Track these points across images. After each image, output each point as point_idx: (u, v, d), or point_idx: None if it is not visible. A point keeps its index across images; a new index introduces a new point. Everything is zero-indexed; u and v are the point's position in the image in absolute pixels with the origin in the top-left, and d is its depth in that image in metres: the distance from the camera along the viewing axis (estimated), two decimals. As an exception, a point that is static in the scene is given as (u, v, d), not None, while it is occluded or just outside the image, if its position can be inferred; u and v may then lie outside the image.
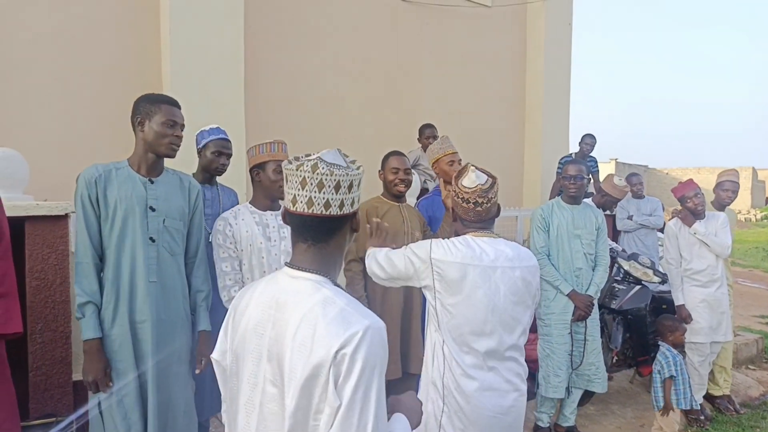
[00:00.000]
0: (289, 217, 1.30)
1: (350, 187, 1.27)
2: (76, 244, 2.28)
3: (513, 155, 7.25)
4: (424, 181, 5.35)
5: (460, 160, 3.47)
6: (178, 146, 2.38)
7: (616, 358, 4.72)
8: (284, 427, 1.15)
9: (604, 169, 19.58)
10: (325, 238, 1.28)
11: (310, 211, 1.24)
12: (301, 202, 1.24)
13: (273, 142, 2.65)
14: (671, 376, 3.78)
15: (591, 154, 6.60)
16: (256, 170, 2.64)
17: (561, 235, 3.68)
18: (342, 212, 1.27)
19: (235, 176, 3.67)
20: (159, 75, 4.45)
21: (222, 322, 1.42)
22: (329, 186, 1.24)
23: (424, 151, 5.39)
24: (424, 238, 3.40)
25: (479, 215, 2.12)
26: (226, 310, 2.83)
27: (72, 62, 4.15)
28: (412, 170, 5.21)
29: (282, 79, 5.20)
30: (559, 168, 6.42)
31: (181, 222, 2.43)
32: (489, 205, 2.12)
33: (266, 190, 2.64)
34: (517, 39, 7.23)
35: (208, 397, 2.97)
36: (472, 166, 2.19)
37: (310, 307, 1.19)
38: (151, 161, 2.37)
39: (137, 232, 2.28)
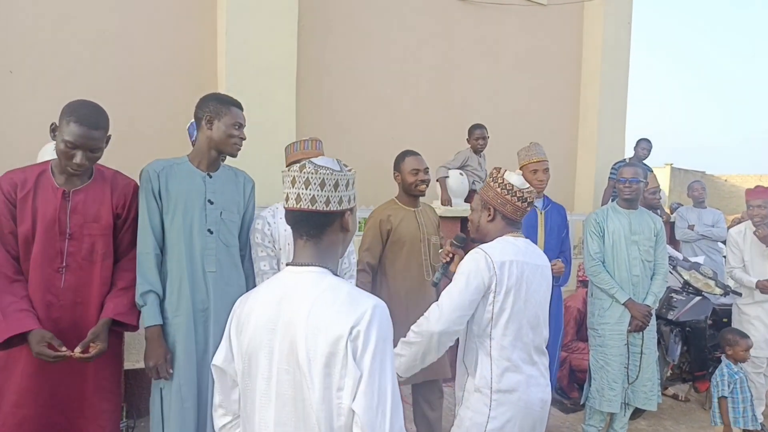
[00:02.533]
0: (285, 215, 1.44)
1: (336, 185, 1.38)
2: (138, 234, 2.36)
3: (566, 158, 7.05)
4: (473, 183, 5.27)
5: (547, 169, 3.41)
6: (241, 147, 2.50)
7: (671, 371, 4.52)
8: (305, 411, 1.26)
9: (660, 175, 18.91)
10: (316, 233, 1.39)
11: (298, 206, 1.37)
12: (292, 198, 1.38)
13: (307, 140, 2.67)
14: (724, 396, 3.57)
15: (644, 162, 6.34)
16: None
17: (617, 241, 3.53)
18: (328, 209, 1.38)
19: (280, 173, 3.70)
20: (214, 74, 4.54)
21: None
22: (314, 183, 1.36)
23: (474, 152, 5.32)
24: (440, 242, 3.34)
25: (524, 214, 2.22)
26: None
27: (131, 61, 4.28)
28: (461, 171, 5.17)
29: (332, 78, 5.22)
30: (612, 173, 6.21)
31: (237, 215, 2.53)
32: (531, 205, 2.23)
33: None
34: (573, 38, 7.03)
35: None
36: (507, 170, 2.25)
37: (318, 294, 1.30)
38: (213, 158, 2.47)
39: (196, 223, 2.39)
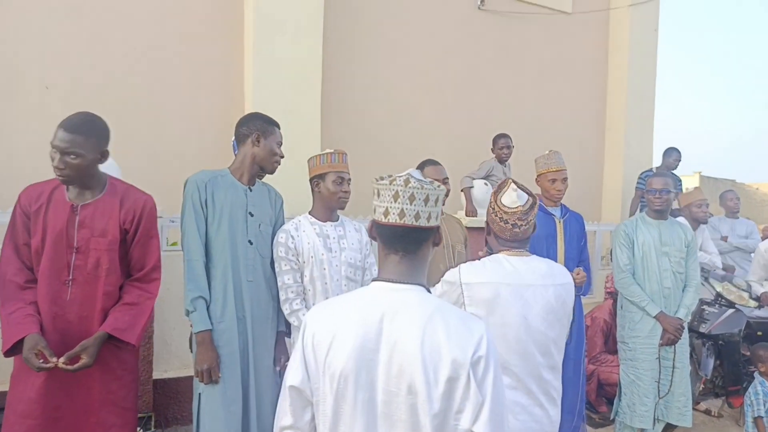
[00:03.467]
0: (379, 230, 1.39)
1: (436, 201, 1.38)
2: (184, 242, 2.43)
3: (592, 167, 6.97)
4: (498, 193, 5.23)
5: (565, 178, 3.37)
6: (279, 165, 2.65)
7: (703, 386, 4.41)
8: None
9: (688, 183, 18.51)
10: (414, 249, 1.36)
11: (402, 221, 1.34)
12: (394, 213, 1.35)
13: (333, 153, 2.67)
14: (761, 416, 3.46)
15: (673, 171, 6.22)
16: (316, 180, 2.66)
17: (647, 252, 3.46)
18: (429, 224, 1.37)
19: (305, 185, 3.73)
20: (242, 87, 4.62)
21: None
22: (419, 199, 1.35)
23: (499, 161, 5.29)
24: (466, 249, 3.33)
25: (516, 235, 2.07)
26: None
27: (162, 75, 4.39)
28: (485, 181, 5.14)
29: (357, 90, 5.27)
30: (639, 183, 6.11)
31: (271, 227, 2.63)
32: (527, 226, 2.07)
33: (326, 201, 2.65)
34: (599, 46, 6.97)
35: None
36: (513, 183, 2.13)
37: (428, 315, 1.27)
38: (254, 173, 2.59)
39: (239, 234, 2.48)
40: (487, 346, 1.25)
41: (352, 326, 1.29)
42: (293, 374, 1.36)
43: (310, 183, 2.69)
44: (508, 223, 2.06)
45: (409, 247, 1.36)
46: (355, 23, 5.23)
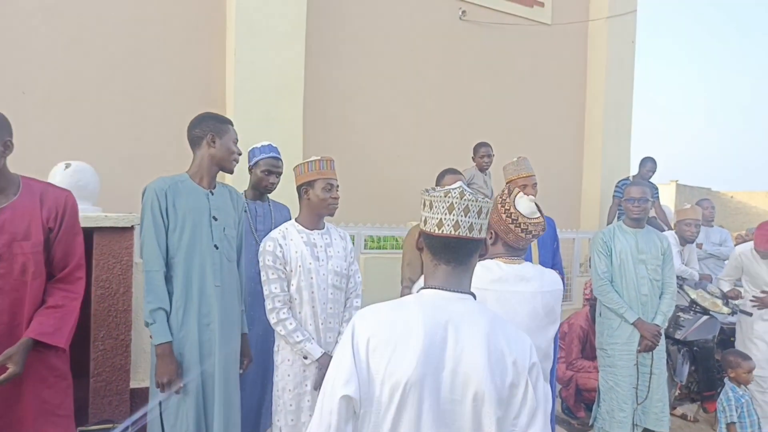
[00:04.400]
0: (430, 241, 1.39)
1: (487, 213, 1.41)
2: (144, 253, 2.37)
3: (571, 175, 7.07)
4: (479, 201, 5.27)
5: (535, 184, 3.39)
6: (237, 163, 2.58)
7: (679, 391, 4.48)
8: None
9: (665, 192, 18.85)
10: (465, 260, 1.38)
11: (457, 233, 1.35)
12: (448, 225, 1.35)
13: (321, 159, 2.61)
14: (733, 422, 3.52)
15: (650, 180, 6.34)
16: (304, 188, 2.59)
17: (625, 260, 3.52)
18: (481, 236, 1.39)
19: (292, 193, 3.72)
20: (223, 93, 4.60)
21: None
22: (473, 211, 1.36)
23: (479, 170, 5.34)
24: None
25: (527, 243, 2.09)
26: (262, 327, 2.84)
27: (142, 81, 4.35)
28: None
29: (339, 97, 5.27)
30: (616, 191, 6.21)
31: (235, 230, 2.59)
32: (538, 235, 2.10)
33: (315, 208, 2.59)
34: (578, 57, 7.09)
35: (265, 411, 2.99)
36: (521, 192, 2.12)
37: (488, 326, 1.30)
38: (214, 175, 2.52)
39: (204, 239, 2.43)
40: (535, 353, 1.32)
41: (417, 333, 1.26)
42: (347, 385, 1.24)
43: (298, 191, 2.63)
44: (530, 233, 2.05)
45: (461, 258, 1.37)
46: (337, 31, 5.24)
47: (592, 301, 4.44)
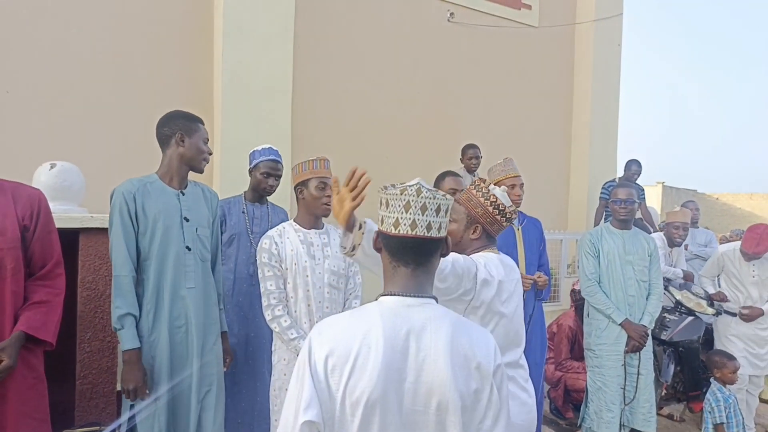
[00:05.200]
0: (387, 241, 1.33)
1: (447, 211, 1.34)
2: (113, 257, 2.32)
3: (558, 177, 7.12)
4: (467, 202, 5.30)
5: (522, 184, 3.41)
6: (208, 162, 2.55)
7: (665, 392, 4.52)
8: None
9: (651, 193, 19.02)
10: (425, 261, 1.31)
11: (414, 232, 1.29)
12: (405, 224, 1.29)
13: (315, 159, 2.64)
14: (722, 423, 3.56)
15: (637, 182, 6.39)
16: (299, 188, 2.63)
17: (612, 261, 3.55)
18: (440, 235, 1.32)
19: (283, 194, 3.71)
20: (211, 94, 4.57)
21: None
22: (431, 209, 1.30)
23: (467, 171, 5.36)
24: None
25: (502, 231, 2.16)
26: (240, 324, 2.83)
27: (128, 82, 4.31)
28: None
29: (327, 98, 5.27)
30: (602, 193, 6.26)
31: (209, 230, 2.55)
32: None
33: (309, 207, 2.62)
34: (565, 59, 7.15)
35: (258, 413, 2.98)
36: (492, 184, 2.17)
37: (451, 331, 1.24)
38: (184, 174, 2.48)
39: (176, 241, 2.39)
40: (500, 354, 1.29)
41: (376, 347, 1.20)
42: (306, 408, 1.19)
43: (294, 190, 2.66)
44: (510, 221, 2.11)
45: (420, 259, 1.30)
46: (325, 32, 5.24)
47: (578, 302, 4.47)
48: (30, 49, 3.97)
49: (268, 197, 3.23)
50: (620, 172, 6.96)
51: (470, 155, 5.31)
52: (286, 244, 2.55)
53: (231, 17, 4.37)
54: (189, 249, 2.43)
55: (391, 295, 1.29)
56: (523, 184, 3.40)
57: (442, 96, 6.08)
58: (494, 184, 3.45)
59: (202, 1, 4.56)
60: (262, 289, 2.54)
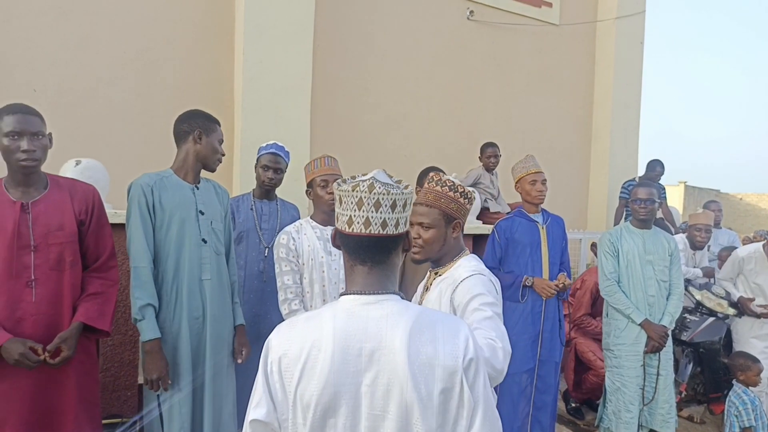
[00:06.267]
0: (343, 240, 1.27)
1: (404, 206, 1.26)
2: (131, 249, 2.37)
3: (578, 176, 7.06)
4: (485, 200, 5.28)
5: (545, 180, 3.40)
6: (221, 162, 2.65)
7: (684, 393, 4.47)
8: None
9: (672, 193, 18.72)
10: (383, 258, 1.25)
11: (368, 231, 1.22)
12: (358, 222, 1.23)
13: (318, 159, 2.71)
14: (751, 426, 3.50)
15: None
16: (309, 187, 2.71)
17: (632, 261, 3.52)
18: (397, 231, 1.25)
19: (300, 192, 3.74)
20: (231, 92, 4.63)
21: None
22: (386, 205, 1.22)
23: (486, 170, 5.34)
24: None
25: None
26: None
27: (151, 80, 4.38)
28: (473, 189, 5.18)
29: (346, 97, 5.29)
30: (622, 192, 6.19)
31: (222, 224, 2.62)
32: None
33: (318, 205, 2.69)
34: (586, 58, 7.08)
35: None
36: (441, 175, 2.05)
37: (412, 328, 1.17)
38: (198, 171, 2.56)
39: (192, 234, 2.45)
40: (474, 346, 1.18)
41: (326, 347, 1.15)
42: (256, 406, 1.20)
43: (306, 191, 2.74)
44: (470, 202, 1.98)
45: (377, 257, 1.24)
46: (345, 31, 5.26)
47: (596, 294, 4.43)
48: (56, 50, 4.06)
49: (276, 193, 3.27)
50: (641, 172, 6.88)
51: (489, 154, 5.29)
52: (304, 240, 2.60)
53: (251, 17, 4.42)
54: (204, 241, 2.49)
55: (349, 294, 1.24)
56: (545, 180, 3.40)
57: (461, 94, 6.06)
58: (516, 182, 3.47)
59: (224, 1, 4.61)
60: (279, 284, 2.58)
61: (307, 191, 2.71)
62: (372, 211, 1.22)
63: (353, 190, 1.24)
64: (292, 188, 3.79)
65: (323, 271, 2.57)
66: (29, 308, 2.12)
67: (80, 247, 2.29)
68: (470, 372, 1.16)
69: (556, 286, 3.22)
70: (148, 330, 2.31)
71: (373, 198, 1.22)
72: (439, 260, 1.95)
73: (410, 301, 1.41)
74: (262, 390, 1.20)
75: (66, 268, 2.21)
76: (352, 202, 1.23)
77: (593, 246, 5.40)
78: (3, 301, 2.08)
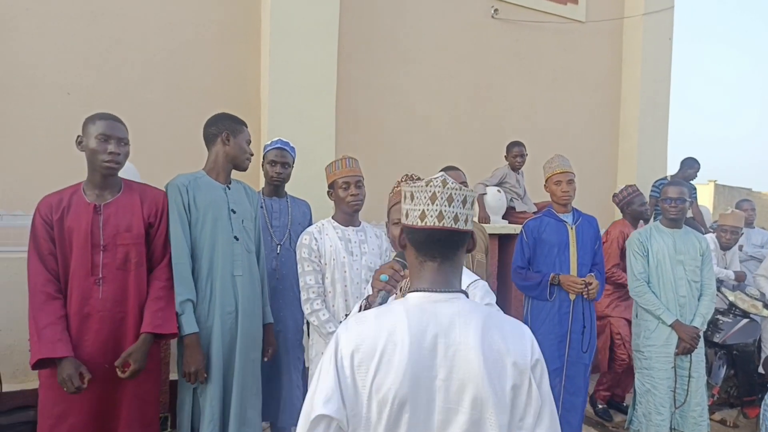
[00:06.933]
0: (414, 235, 1.29)
1: (472, 203, 1.31)
2: (172, 245, 2.47)
3: (606, 175, 6.96)
4: (510, 200, 5.25)
5: (571, 180, 3.37)
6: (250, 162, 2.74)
7: (716, 396, 4.37)
8: None
9: (703, 192, 18.32)
10: (452, 254, 1.29)
11: (441, 224, 1.26)
12: (432, 216, 1.26)
13: (338, 160, 2.74)
14: None
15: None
16: (330, 189, 2.75)
17: (662, 261, 3.46)
18: (466, 227, 1.29)
19: (312, 189, 3.75)
20: (257, 93, 4.67)
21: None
22: (458, 200, 1.27)
23: (512, 169, 5.30)
24: (486, 258, 3.34)
25: None
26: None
27: (179, 81, 4.45)
28: (498, 188, 5.15)
29: (371, 96, 5.30)
30: (653, 191, 6.08)
31: (252, 223, 2.71)
32: None
33: (340, 206, 2.73)
34: (613, 55, 6.97)
35: (289, 404, 3.05)
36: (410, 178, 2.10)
37: (482, 326, 1.21)
38: (229, 171, 2.66)
39: (224, 231, 2.54)
40: (538, 347, 1.25)
41: (402, 343, 1.18)
42: (327, 403, 1.16)
43: (328, 193, 2.78)
44: None
45: (447, 253, 1.27)
46: (369, 30, 5.27)
47: (621, 204, 4.48)
48: (88, 52, 4.15)
49: (286, 190, 3.32)
50: (670, 170, 6.74)
51: (515, 153, 5.25)
52: (325, 240, 2.63)
53: (277, 19, 4.46)
54: (237, 239, 2.57)
55: (418, 291, 1.27)
56: (571, 180, 3.37)
57: (486, 93, 6.02)
58: (545, 182, 3.44)
59: (250, 3, 4.66)
60: (301, 284, 2.62)
61: (328, 192, 2.75)
62: (445, 205, 1.26)
63: (427, 185, 1.28)
64: (315, 188, 3.79)
65: (345, 271, 2.60)
66: (96, 304, 2.26)
67: (147, 250, 2.40)
68: (537, 371, 1.22)
69: (583, 281, 3.18)
70: (187, 324, 2.40)
71: (447, 192, 1.26)
72: None
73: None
74: (334, 385, 1.18)
75: (132, 268, 2.34)
76: (425, 197, 1.27)
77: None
78: (76, 296, 2.25)
